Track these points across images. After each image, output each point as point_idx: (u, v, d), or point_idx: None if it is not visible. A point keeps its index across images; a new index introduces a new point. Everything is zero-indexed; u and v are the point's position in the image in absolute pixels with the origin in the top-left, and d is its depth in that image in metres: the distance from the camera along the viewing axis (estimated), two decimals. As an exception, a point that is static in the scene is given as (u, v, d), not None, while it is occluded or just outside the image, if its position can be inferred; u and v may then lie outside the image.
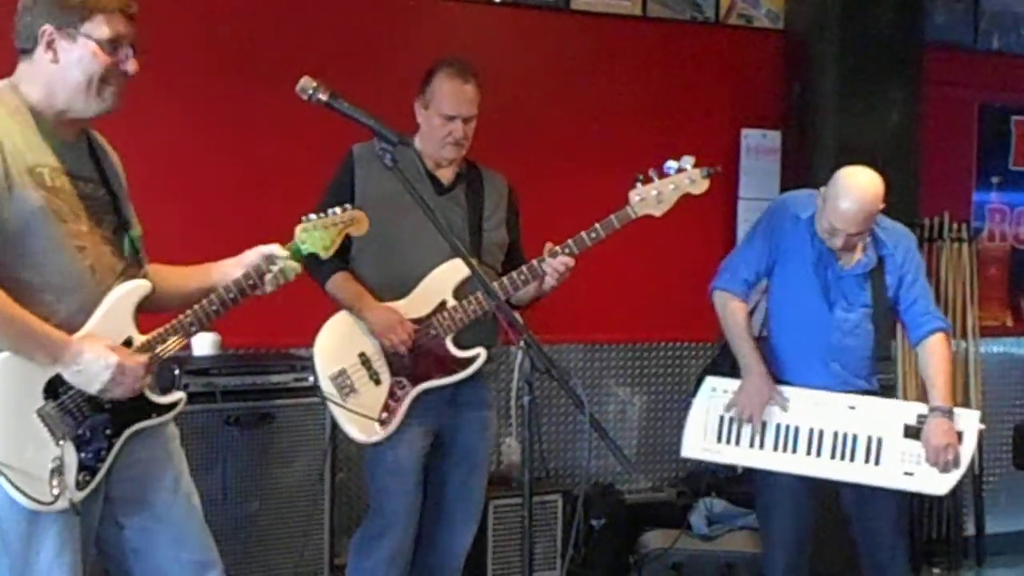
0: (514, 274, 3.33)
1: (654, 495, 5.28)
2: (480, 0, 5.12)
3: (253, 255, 2.80)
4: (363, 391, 3.54)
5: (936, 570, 5.74)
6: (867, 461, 3.75)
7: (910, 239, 3.97)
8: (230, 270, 2.82)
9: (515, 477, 4.42)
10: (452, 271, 3.52)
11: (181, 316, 2.72)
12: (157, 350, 2.67)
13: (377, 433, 3.54)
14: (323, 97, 2.69)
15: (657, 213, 3.45)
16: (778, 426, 3.88)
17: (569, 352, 5.26)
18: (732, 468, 5.36)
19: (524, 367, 2.65)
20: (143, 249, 2.90)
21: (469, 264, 2.84)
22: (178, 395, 2.81)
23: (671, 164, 3.45)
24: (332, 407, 3.58)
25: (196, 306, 2.73)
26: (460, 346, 3.57)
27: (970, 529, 5.85)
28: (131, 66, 2.63)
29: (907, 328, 3.94)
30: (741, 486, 5.22)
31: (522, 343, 2.64)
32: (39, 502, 2.50)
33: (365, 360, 3.54)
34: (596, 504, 4.90)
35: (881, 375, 3.91)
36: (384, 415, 3.54)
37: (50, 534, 2.56)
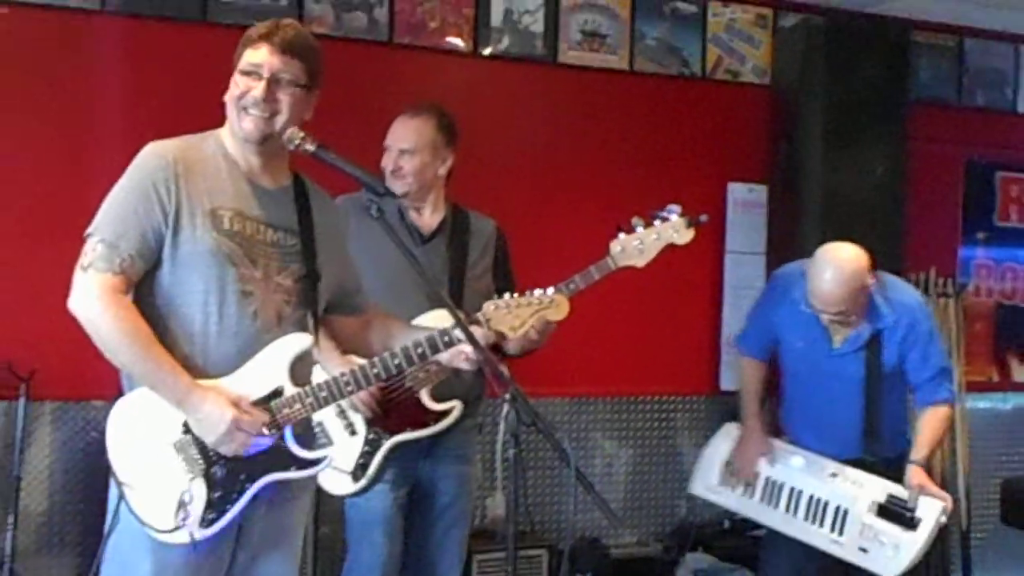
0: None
1: (640, 549, 5.23)
2: (469, 53, 5.14)
3: (429, 328, 2.81)
4: (339, 442, 3.51)
5: (924, 626, 5.67)
6: (832, 530, 3.79)
7: (916, 311, 3.91)
8: (404, 335, 2.85)
9: (499, 531, 4.40)
10: (432, 322, 3.38)
11: (339, 376, 2.71)
12: (296, 407, 2.64)
13: (351, 486, 3.53)
14: (310, 147, 2.65)
15: (639, 264, 3.27)
16: (767, 480, 4.00)
17: (554, 406, 5.22)
18: (719, 522, 5.40)
19: (510, 420, 2.58)
20: (359, 301, 2.99)
21: (454, 314, 2.75)
22: (324, 452, 2.76)
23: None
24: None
25: (357, 368, 2.73)
26: (436, 399, 3.53)
27: (958, 582, 5.83)
28: (260, 93, 2.61)
29: (915, 394, 3.93)
30: (727, 540, 5.28)
31: (508, 396, 2.57)
32: (155, 529, 2.53)
33: (341, 411, 3.51)
34: (582, 559, 4.86)
35: (874, 446, 3.88)
36: (358, 467, 3.51)
37: (171, 561, 2.57)
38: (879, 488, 3.76)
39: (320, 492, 3.95)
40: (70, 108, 4.33)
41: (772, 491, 3.97)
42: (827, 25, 5.30)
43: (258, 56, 2.61)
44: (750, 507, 4.07)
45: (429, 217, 3.70)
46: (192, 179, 2.60)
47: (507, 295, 2.80)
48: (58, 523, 4.42)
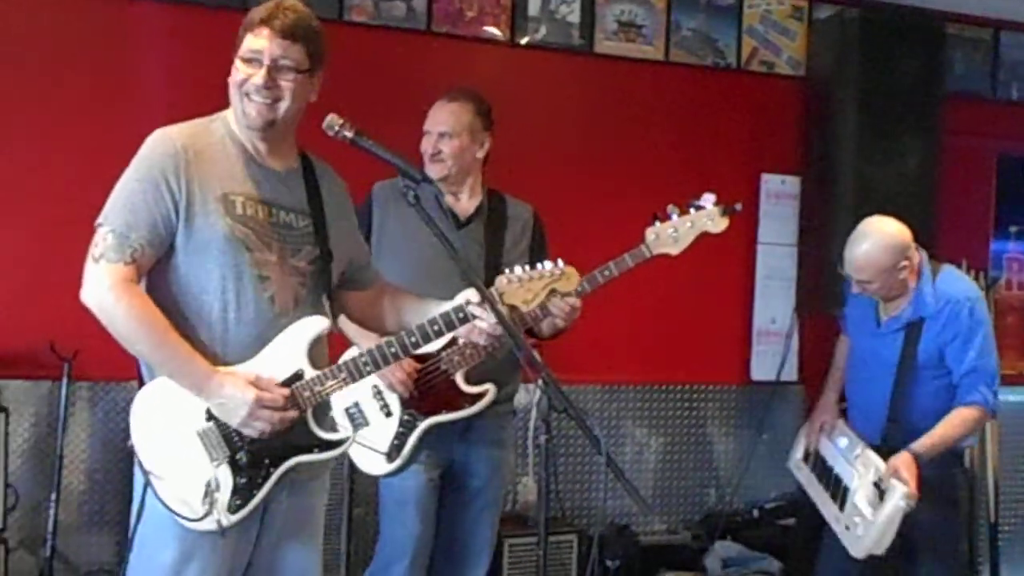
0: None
1: (670, 537, 5.24)
2: (506, 43, 5.16)
3: (455, 301, 2.80)
4: (374, 423, 3.52)
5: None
6: (838, 507, 3.86)
7: (961, 304, 3.83)
8: (422, 312, 2.84)
9: (531, 516, 4.43)
10: (511, 294, 3.48)
11: (356, 356, 2.71)
12: (316, 389, 2.64)
13: (385, 466, 3.54)
14: (348, 134, 2.66)
15: (674, 252, 3.33)
16: (817, 454, 4.09)
17: (586, 393, 5.23)
18: (748, 512, 5.44)
19: (542, 406, 2.61)
20: (369, 275, 3.00)
21: (488, 298, 2.74)
22: (346, 433, 2.77)
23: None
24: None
25: (374, 347, 2.74)
26: (471, 382, 3.52)
27: (986, 573, 5.77)
28: (260, 80, 2.59)
29: (956, 390, 3.87)
30: (756, 529, 5.29)
31: (540, 382, 2.57)
32: (183, 518, 2.53)
33: (377, 392, 3.52)
34: (611, 545, 4.84)
35: (895, 434, 3.83)
36: (393, 448, 3.52)
37: (196, 555, 2.58)
38: (876, 471, 3.76)
39: (355, 472, 4.01)
40: (111, 96, 4.39)
41: (820, 467, 4.05)
42: (862, 17, 5.27)
43: (259, 42, 2.58)
44: (811, 483, 4.11)
45: (466, 202, 3.72)
46: (202, 165, 2.60)
47: (519, 269, 2.77)
48: (98, 501, 4.47)
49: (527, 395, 4.84)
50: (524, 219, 3.80)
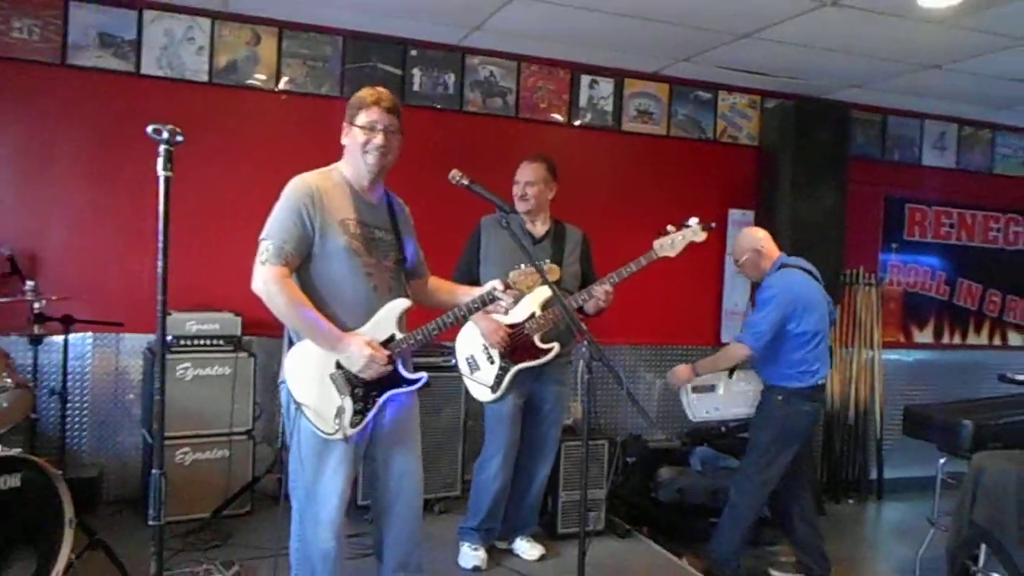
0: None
1: (667, 443, 5.18)
2: (565, 124, 5.22)
3: (483, 288, 2.82)
4: (483, 368, 3.60)
5: (850, 501, 5.74)
6: None
7: (765, 289, 3.86)
8: (468, 294, 2.89)
9: (578, 428, 4.41)
10: (540, 293, 3.51)
11: (430, 324, 2.75)
12: (404, 347, 2.69)
13: (489, 396, 3.62)
14: (465, 182, 2.72)
15: (672, 255, 3.43)
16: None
17: (616, 350, 5.28)
18: (718, 428, 5.32)
19: (585, 356, 2.56)
20: (424, 269, 2.99)
21: (553, 290, 2.82)
22: (422, 374, 2.77)
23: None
24: (464, 378, 3.70)
25: (438, 319, 2.77)
26: (544, 341, 3.58)
27: (873, 474, 5.86)
28: (380, 140, 2.64)
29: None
30: (723, 440, 5.14)
31: (585, 341, 2.59)
32: (324, 432, 2.61)
33: (484, 348, 3.60)
34: (630, 447, 4.91)
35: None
36: (495, 383, 3.59)
37: (333, 454, 2.65)
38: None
39: (467, 399, 4.11)
40: (313, 164, 4.48)
41: None
42: (796, 106, 5.31)
43: (372, 116, 2.64)
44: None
45: (540, 227, 3.74)
46: (327, 200, 2.62)
47: (522, 266, 2.76)
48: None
49: (577, 350, 5.07)
50: (577, 239, 3.80)
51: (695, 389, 4.35)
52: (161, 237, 1.88)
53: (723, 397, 4.39)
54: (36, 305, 3.47)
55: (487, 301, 2.80)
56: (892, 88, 5.41)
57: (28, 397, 3.40)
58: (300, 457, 2.64)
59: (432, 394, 4.29)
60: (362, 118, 2.65)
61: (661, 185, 5.40)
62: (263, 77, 4.59)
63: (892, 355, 6.02)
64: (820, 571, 3.97)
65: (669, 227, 3.42)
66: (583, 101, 5.25)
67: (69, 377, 4.07)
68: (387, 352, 2.64)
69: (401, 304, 2.73)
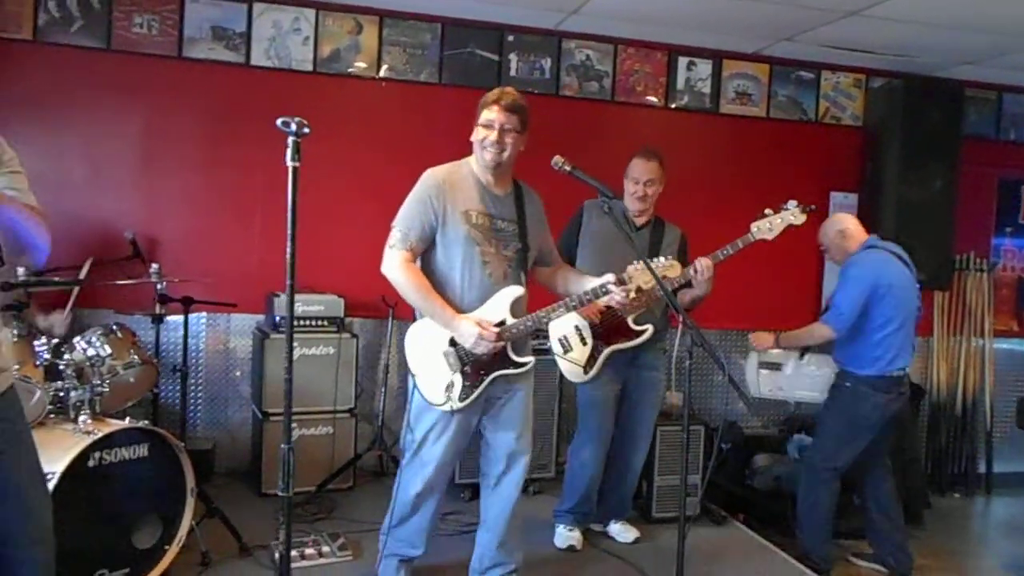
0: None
1: (763, 431, 5.19)
2: (662, 107, 5.19)
3: (597, 281, 2.91)
4: (576, 349, 3.62)
5: (957, 495, 5.56)
6: None
7: (847, 268, 3.79)
8: (585, 284, 2.96)
9: (675, 413, 4.40)
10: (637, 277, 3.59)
11: (540, 312, 2.88)
12: (513, 332, 2.84)
13: (583, 377, 3.64)
14: (568, 168, 2.80)
15: (769, 238, 3.37)
16: None
17: (710, 335, 5.18)
18: (815, 415, 5.31)
19: (685, 342, 2.64)
20: (551, 257, 3.13)
21: (653, 274, 2.86)
22: (529, 359, 2.94)
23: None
24: (557, 359, 3.70)
25: (550, 308, 2.88)
26: (637, 323, 3.58)
27: (982, 467, 5.69)
28: (494, 136, 2.78)
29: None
30: None
31: (685, 325, 2.62)
32: (432, 403, 2.86)
33: (577, 329, 3.62)
34: (725, 433, 4.80)
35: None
36: (587, 364, 3.60)
37: (440, 423, 2.89)
38: None
39: (564, 381, 4.06)
40: (412, 150, 4.35)
41: None
42: (904, 85, 5.15)
43: (492, 114, 2.79)
44: None
45: (643, 218, 3.73)
46: (453, 192, 2.81)
47: (640, 262, 2.83)
48: (403, 392, 4.68)
49: (674, 336, 5.05)
50: (675, 236, 3.76)
51: (762, 364, 4.30)
52: (290, 225, 1.98)
53: (790, 378, 4.31)
54: (159, 286, 3.67)
55: (599, 294, 2.90)
56: (1009, 65, 5.17)
57: (152, 373, 3.62)
58: (412, 421, 2.92)
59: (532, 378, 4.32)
60: (484, 115, 2.81)
61: (760, 168, 5.32)
62: (364, 65, 4.71)
63: (1004, 344, 5.81)
64: (898, 565, 3.88)
65: (767, 210, 3.36)
66: (680, 83, 5.20)
67: (188, 355, 4.29)
68: (496, 331, 2.79)
69: (515, 291, 2.86)
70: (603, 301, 2.98)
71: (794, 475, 4.70)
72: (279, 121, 1.96)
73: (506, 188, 2.93)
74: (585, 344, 3.61)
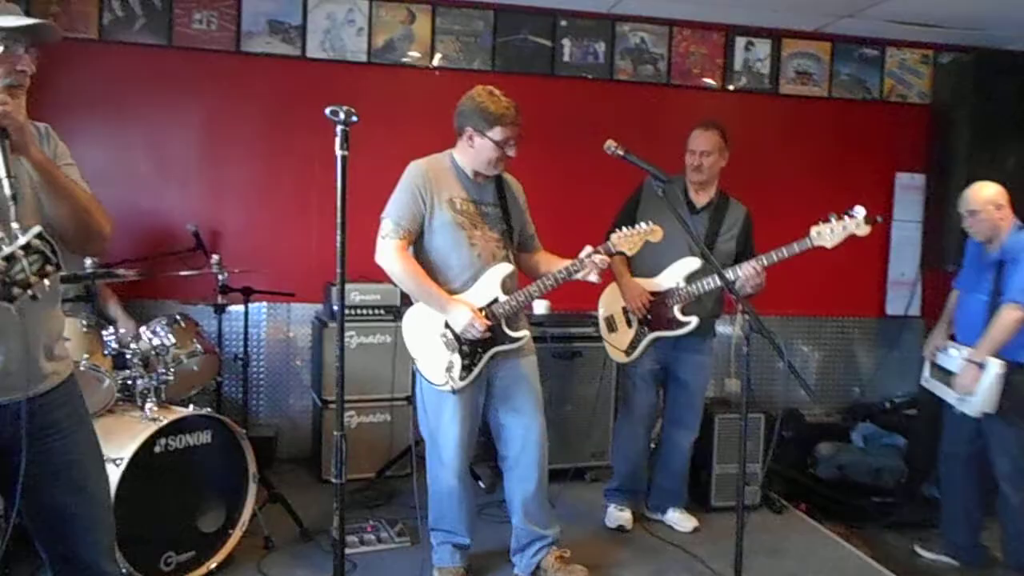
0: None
1: (826, 418, 5.13)
2: (719, 89, 5.11)
3: (581, 255, 2.94)
4: (621, 330, 3.65)
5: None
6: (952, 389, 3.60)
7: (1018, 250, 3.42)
8: (563, 262, 3.01)
9: (733, 401, 4.39)
10: (687, 264, 3.51)
11: (529, 287, 2.96)
12: (506, 308, 2.93)
13: (624, 359, 3.68)
14: (620, 152, 2.78)
15: (828, 246, 3.18)
16: (934, 365, 3.82)
17: (770, 321, 4.89)
18: (881, 404, 5.23)
19: (744, 328, 2.58)
20: (533, 242, 3.20)
21: (710, 260, 2.91)
22: (524, 333, 3.04)
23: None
24: (603, 339, 3.72)
25: (538, 281, 2.98)
26: (683, 313, 3.53)
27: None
28: (512, 152, 2.93)
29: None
30: (887, 416, 5.08)
31: (742, 313, 2.59)
32: (435, 384, 2.95)
33: (624, 311, 3.63)
34: (787, 421, 4.79)
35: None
36: (630, 347, 3.63)
37: (448, 404, 2.97)
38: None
39: (607, 361, 4.02)
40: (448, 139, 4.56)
41: (939, 372, 3.73)
42: (975, 60, 4.94)
43: (508, 133, 2.88)
44: (935, 386, 3.75)
45: (703, 197, 3.66)
46: (437, 181, 2.93)
47: (625, 228, 2.92)
48: None
49: (731, 322, 4.96)
50: (739, 215, 3.69)
51: (933, 375, 3.83)
52: (339, 213, 2.00)
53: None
54: (220, 277, 3.76)
55: (572, 272, 2.92)
56: (1089, 35, 4.93)
57: (215, 361, 3.71)
58: (423, 406, 3.01)
59: (584, 364, 4.33)
60: (498, 133, 2.87)
61: (822, 150, 5.22)
62: (417, 54, 4.73)
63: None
64: (971, 559, 3.75)
65: (831, 214, 3.16)
66: (738, 64, 5.11)
67: (249, 344, 4.38)
68: (485, 320, 2.89)
69: (504, 269, 2.98)
70: (581, 275, 2.92)
71: (859, 464, 4.64)
72: (328, 110, 1.98)
73: (484, 178, 3.03)
74: (630, 327, 3.63)
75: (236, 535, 3.23)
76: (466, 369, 2.93)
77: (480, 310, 2.92)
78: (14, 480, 1.94)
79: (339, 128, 1.98)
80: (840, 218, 3.15)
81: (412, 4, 4.69)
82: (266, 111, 4.60)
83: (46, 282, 1.51)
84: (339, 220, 2.03)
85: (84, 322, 3.15)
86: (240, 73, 4.53)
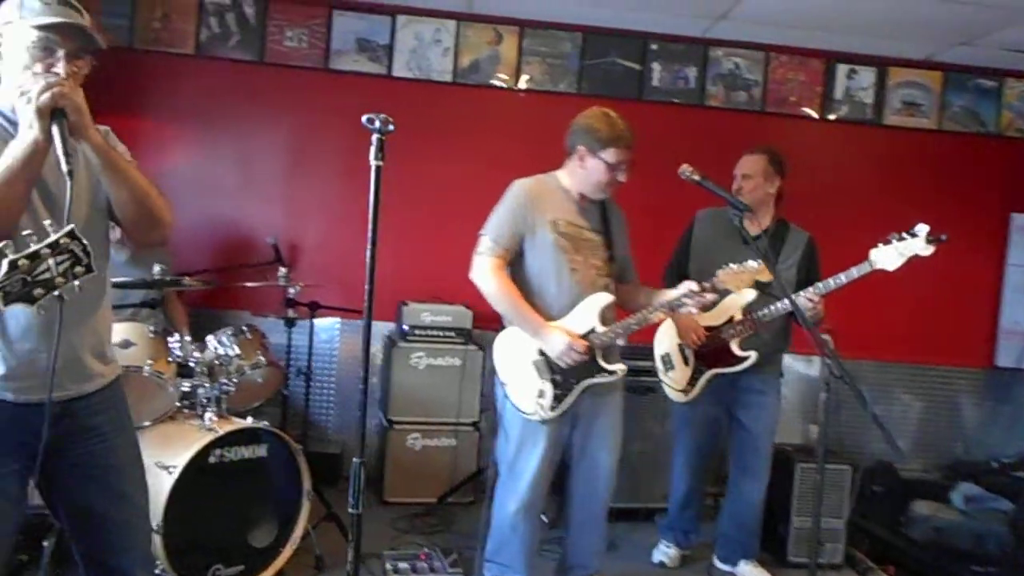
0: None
1: (923, 475, 4.78)
2: (818, 119, 4.87)
3: (680, 290, 2.85)
4: (678, 367, 3.53)
5: None
6: None
7: None
8: (662, 297, 2.91)
9: (817, 450, 4.17)
10: (743, 296, 3.31)
11: (628, 319, 2.86)
12: (603, 340, 2.80)
13: (683, 398, 3.53)
14: (696, 178, 2.72)
15: (889, 268, 2.98)
16: None
17: (865, 366, 4.82)
18: (987, 463, 4.86)
19: (823, 373, 2.44)
20: (631, 272, 3.09)
21: (782, 288, 2.77)
22: (620, 366, 2.90)
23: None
24: (660, 376, 3.61)
25: (639, 314, 2.87)
26: (742, 348, 3.38)
27: None
28: (623, 177, 2.86)
29: None
30: (994, 477, 4.65)
31: (825, 354, 2.40)
32: (523, 412, 2.84)
33: (680, 347, 3.52)
34: (878, 475, 4.48)
35: None
36: (687, 385, 3.50)
37: (532, 433, 2.86)
38: None
39: (666, 399, 3.83)
40: (549, 162, 4.52)
41: None
42: None
43: (622, 155, 2.80)
44: None
45: (755, 226, 3.46)
46: (541, 201, 2.84)
47: (732, 265, 2.75)
48: None
49: (810, 364, 4.70)
50: (800, 242, 3.50)
51: None
52: (371, 227, 1.93)
53: None
54: (291, 291, 3.76)
55: (674, 307, 2.87)
56: None
57: (278, 375, 3.71)
58: (505, 432, 2.91)
59: (655, 401, 4.13)
60: (611, 155, 2.80)
61: (929, 185, 4.91)
62: (504, 76, 4.70)
63: None
64: None
65: (891, 235, 2.98)
66: (839, 93, 4.88)
67: (318, 358, 4.41)
68: (584, 343, 2.77)
69: (603, 298, 2.86)
70: (685, 308, 2.87)
71: (960, 528, 4.31)
72: (364, 118, 1.92)
73: (593, 201, 2.96)
74: (687, 364, 3.52)
75: (287, 552, 3.19)
76: (557, 399, 2.83)
77: (578, 338, 2.81)
78: (56, 481, 1.93)
79: (374, 136, 1.90)
80: (901, 238, 2.98)
81: (499, 25, 4.66)
82: (349, 128, 4.51)
83: (76, 283, 1.47)
84: (371, 235, 1.96)
85: (151, 328, 3.18)
86: (327, 90, 4.59)
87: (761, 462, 3.59)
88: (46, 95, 1.67)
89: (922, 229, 2.95)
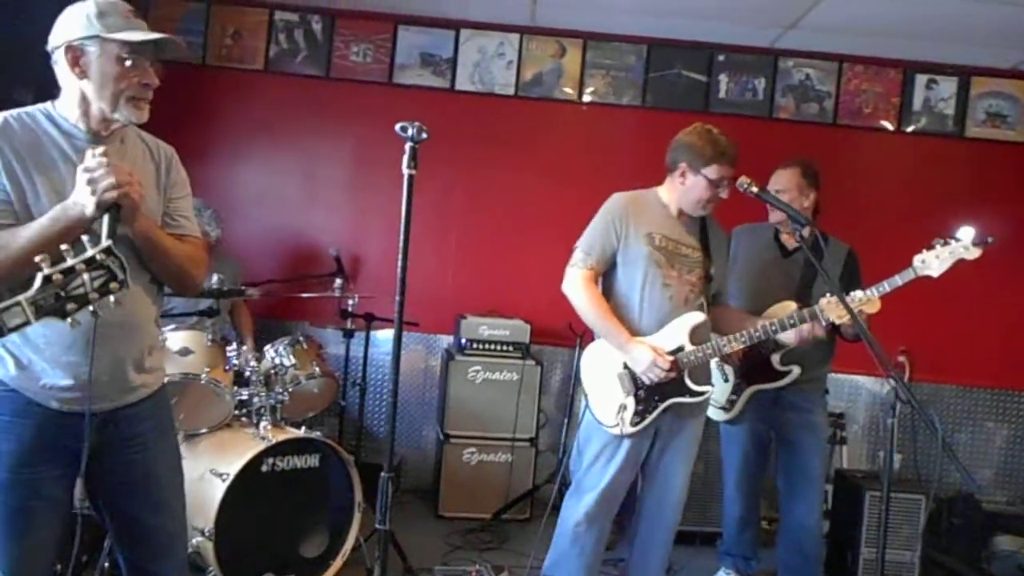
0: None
1: (1008, 507, 4.52)
2: (894, 131, 4.66)
3: (783, 313, 2.86)
4: (717, 385, 3.40)
5: None
6: None
7: None
8: (754, 321, 2.89)
9: (892, 478, 3.97)
10: (782, 309, 3.14)
11: (720, 339, 2.79)
12: (692, 359, 2.75)
13: (723, 416, 3.45)
14: (754, 190, 2.71)
15: (934, 274, 2.83)
16: None
17: (947, 391, 4.61)
18: None
19: (888, 396, 2.34)
20: (722, 297, 3.02)
21: (847, 306, 2.56)
22: (707, 388, 2.84)
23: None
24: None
25: (732, 335, 2.79)
26: (783, 363, 3.26)
27: None
28: (725, 194, 2.79)
29: None
30: None
31: (887, 375, 2.32)
32: (604, 424, 2.80)
33: (720, 365, 3.42)
34: (957, 507, 4.26)
35: None
36: (727, 403, 3.41)
37: (611, 447, 2.81)
38: None
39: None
40: (612, 176, 4.35)
41: None
42: None
43: (725, 172, 2.73)
44: None
45: (793, 239, 3.35)
46: (638, 214, 2.81)
47: (829, 295, 2.74)
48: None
49: (882, 385, 4.46)
50: (840, 255, 3.37)
51: None
52: (402, 236, 1.90)
53: None
54: (350, 302, 3.78)
55: (771, 333, 2.84)
56: None
57: (334, 385, 3.72)
58: (581, 443, 2.88)
59: (714, 421, 3.99)
60: (713, 172, 2.74)
61: (1016, 200, 4.63)
62: (567, 89, 4.67)
63: None
64: None
65: (936, 240, 2.82)
66: (917, 104, 4.68)
67: (377, 370, 4.44)
68: (671, 359, 2.72)
69: (695, 317, 2.80)
70: (785, 336, 2.89)
71: None
72: (397, 126, 1.90)
73: (691, 219, 2.90)
74: (727, 382, 3.44)
75: (337, 564, 3.19)
76: (639, 415, 2.78)
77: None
78: (99, 487, 1.97)
79: (408, 145, 1.88)
80: (946, 243, 2.82)
81: (563, 38, 4.63)
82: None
83: (111, 299, 1.48)
84: (402, 244, 1.94)
85: (209, 336, 3.23)
86: (391, 104, 4.62)
87: (811, 484, 3.44)
88: (111, 194, 1.71)
89: (967, 232, 2.81)
